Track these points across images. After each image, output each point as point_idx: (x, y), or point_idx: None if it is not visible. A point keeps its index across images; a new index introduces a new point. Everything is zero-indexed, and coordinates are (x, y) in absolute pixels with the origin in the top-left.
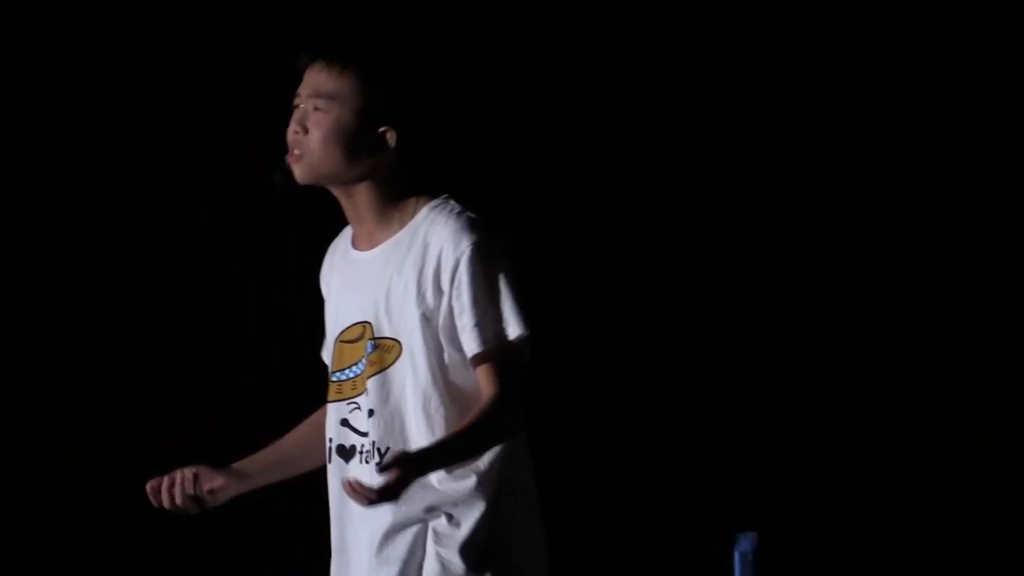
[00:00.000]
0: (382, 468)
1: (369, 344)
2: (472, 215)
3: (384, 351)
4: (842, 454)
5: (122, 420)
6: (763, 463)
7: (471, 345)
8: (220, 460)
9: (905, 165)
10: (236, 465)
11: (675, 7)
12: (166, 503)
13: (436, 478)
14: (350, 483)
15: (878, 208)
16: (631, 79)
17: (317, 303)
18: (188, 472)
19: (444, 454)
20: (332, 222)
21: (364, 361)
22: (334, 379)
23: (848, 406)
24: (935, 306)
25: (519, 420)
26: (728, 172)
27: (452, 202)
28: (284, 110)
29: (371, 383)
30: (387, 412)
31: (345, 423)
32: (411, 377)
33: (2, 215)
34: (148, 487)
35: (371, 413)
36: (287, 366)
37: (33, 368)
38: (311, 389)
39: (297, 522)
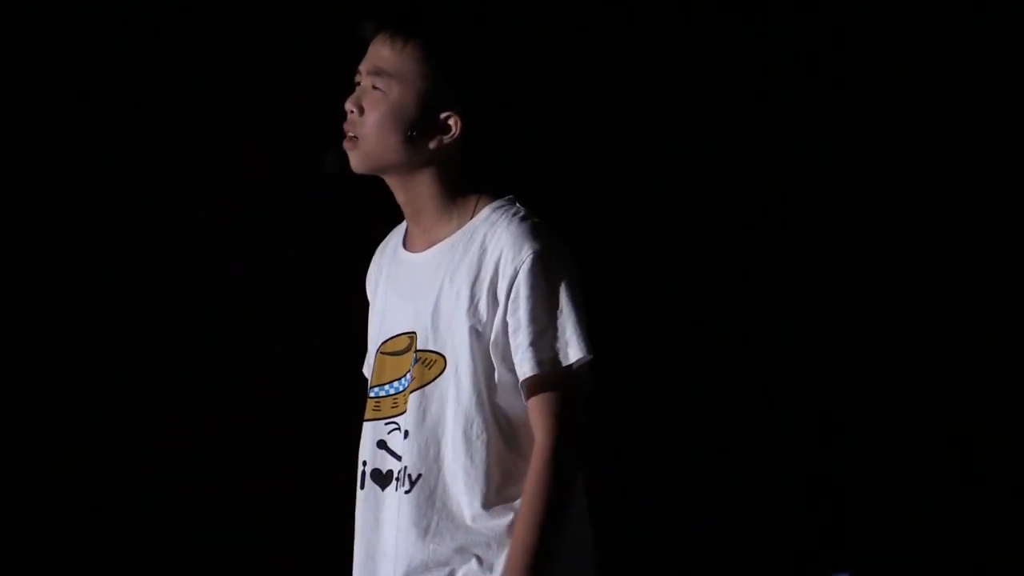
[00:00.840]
0: None
1: (414, 357)
2: (538, 220)
3: (425, 365)
4: (842, 454)
5: (122, 420)
6: (763, 463)
7: (523, 367)
8: (219, 461)
9: (905, 165)
10: None
11: (675, 7)
12: None
13: (469, 514)
14: None
15: (878, 208)
16: (631, 79)
17: (321, 305)
18: None
19: (536, 555)
20: (335, 222)
21: (408, 376)
22: (372, 395)
23: (848, 406)
24: (935, 306)
25: (580, 455)
26: (728, 172)
27: (517, 204)
28: (285, 109)
29: (411, 400)
30: (422, 434)
31: (382, 445)
32: (453, 397)
33: (2, 215)
34: None
35: (407, 435)
36: (287, 366)
37: (33, 368)
38: (311, 389)
39: (316, 551)
